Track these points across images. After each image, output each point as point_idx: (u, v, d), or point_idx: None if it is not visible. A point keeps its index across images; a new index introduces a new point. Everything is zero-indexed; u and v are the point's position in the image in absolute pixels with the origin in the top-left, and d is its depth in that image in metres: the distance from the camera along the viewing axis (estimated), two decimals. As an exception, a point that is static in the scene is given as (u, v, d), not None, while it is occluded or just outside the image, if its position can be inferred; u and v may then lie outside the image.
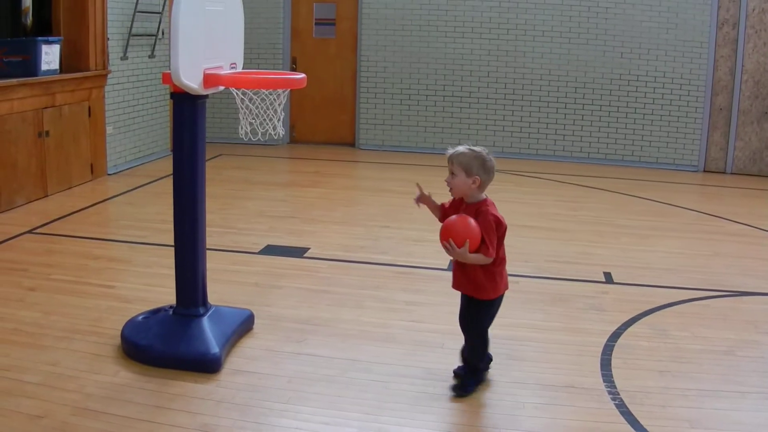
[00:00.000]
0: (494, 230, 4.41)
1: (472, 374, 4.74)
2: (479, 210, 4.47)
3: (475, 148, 4.54)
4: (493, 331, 4.99)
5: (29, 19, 9.83)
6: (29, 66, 9.01)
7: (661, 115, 12.24)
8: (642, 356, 5.15)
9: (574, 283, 6.58)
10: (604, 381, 4.77)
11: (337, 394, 4.58)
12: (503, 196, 9.57)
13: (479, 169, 4.49)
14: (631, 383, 4.76)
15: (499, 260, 4.52)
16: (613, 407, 4.46)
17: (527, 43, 12.42)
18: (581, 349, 5.22)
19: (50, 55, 9.27)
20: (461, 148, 4.57)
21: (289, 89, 5.17)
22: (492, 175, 4.54)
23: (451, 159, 4.58)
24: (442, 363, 4.95)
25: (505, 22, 12.42)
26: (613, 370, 4.91)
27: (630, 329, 5.59)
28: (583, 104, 12.42)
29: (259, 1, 13.08)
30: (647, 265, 7.13)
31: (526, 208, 9.18)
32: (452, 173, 4.56)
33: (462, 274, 4.63)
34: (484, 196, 4.57)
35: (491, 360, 4.84)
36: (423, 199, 4.79)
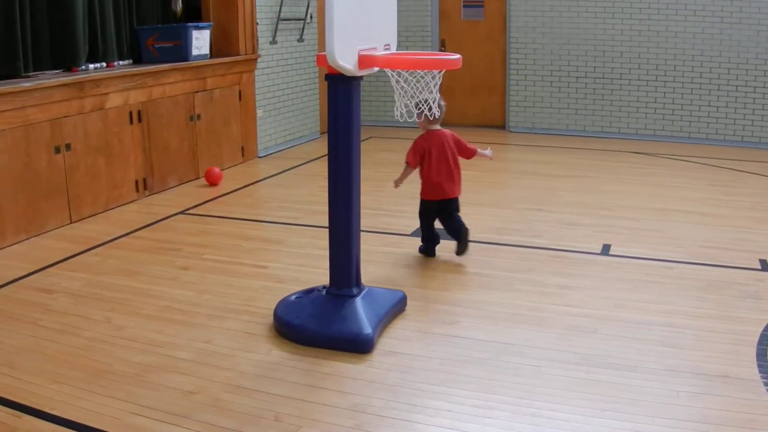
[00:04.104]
0: (413, 148, 6.61)
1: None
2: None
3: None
4: (646, 317, 5.04)
5: (179, 6, 10.09)
6: (180, 51, 9.32)
7: (820, 96, 11.85)
8: (800, 346, 5.03)
9: (729, 270, 6.43)
10: (761, 372, 4.65)
11: (489, 378, 4.59)
12: (656, 180, 9.51)
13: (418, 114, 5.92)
14: (788, 374, 4.65)
15: (426, 172, 6.61)
16: (771, 398, 4.39)
17: (678, 24, 12.15)
18: (736, 338, 5.11)
19: (201, 41, 9.55)
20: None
21: (443, 70, 5.20)
22: (431, 116, 5.64)
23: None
24: (596, 348, 4.94)
25: (656, 2, 12.17)
26: (770, 360, 4.82)
27: (787, 319, 5.47)
28: (737, 86, 12.08)
29: (409, -17, 13.17)
30: (805, 252, 6.95)
31: (679, 192, 9.02)
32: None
33: None
34: (425, 130, 6.63)
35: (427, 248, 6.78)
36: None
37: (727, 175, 10.09)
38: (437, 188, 6.59)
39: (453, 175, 6.64)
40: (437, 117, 5.82)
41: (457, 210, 6.72)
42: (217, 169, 9.57)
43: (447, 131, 6.67)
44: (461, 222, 6.61)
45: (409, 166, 6.64)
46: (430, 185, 6.61)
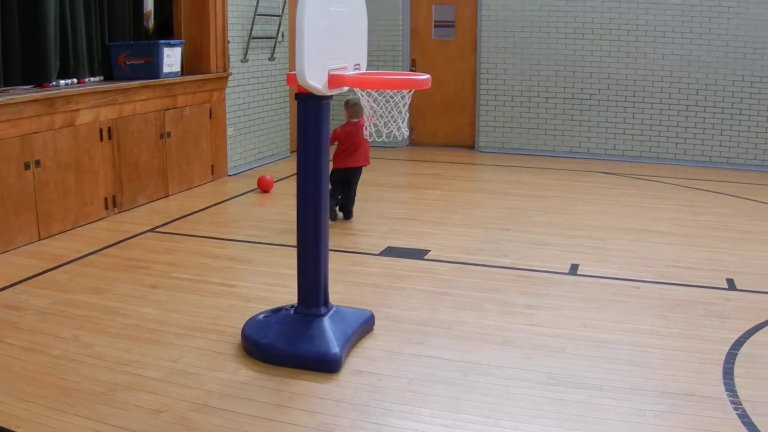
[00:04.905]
0: (336, 133, 8.38)
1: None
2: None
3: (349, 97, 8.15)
4: (613, 336, 5.09)
5: (151, 23, 10.09)
6: (151, 68, 9.31)
7: (786, 117, 11.95)
8: (766, 365, 5.05)
9: (696, 290, 6.47)
10: (727, 390, 4.69)
11: (457, 397, 4.61)
12: (625, 200, 9.58)
13: (344, 109, 8.46)
14: (754, 393, 4.66)
15: (340, 149, 8.54)
16: (735, 417, 4.39)
17: (648, 44, 12.27)
18: (702, 357, 5.14)
19: (172, 58, 9.54)
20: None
21: (413, 90, 5.21)
22: (348, 111, 8.52)
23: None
24: (562, 367, 4.96)
25: (626, 23, 12.29)
26: (735, 379, 4.83)
27: (753, 338, 5.48)
28: (705, 106, 12.19)
29: (379, 2, 13.22)
30: (771, 272, 7.00)
31: (646, 212, 9.08)
32: None
33: None
34: (346, 122, 8.50)
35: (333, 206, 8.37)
36: None
37: (695, 195, 10.17)
38: (345, 160, 8.54)
39: (359, 151, 8.54)
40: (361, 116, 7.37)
41: (357, 180, 8.78)
42: (268, 176, 10.22)
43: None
44: (352, 201, 8.73)
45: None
46: (341, 159, 8.53)
